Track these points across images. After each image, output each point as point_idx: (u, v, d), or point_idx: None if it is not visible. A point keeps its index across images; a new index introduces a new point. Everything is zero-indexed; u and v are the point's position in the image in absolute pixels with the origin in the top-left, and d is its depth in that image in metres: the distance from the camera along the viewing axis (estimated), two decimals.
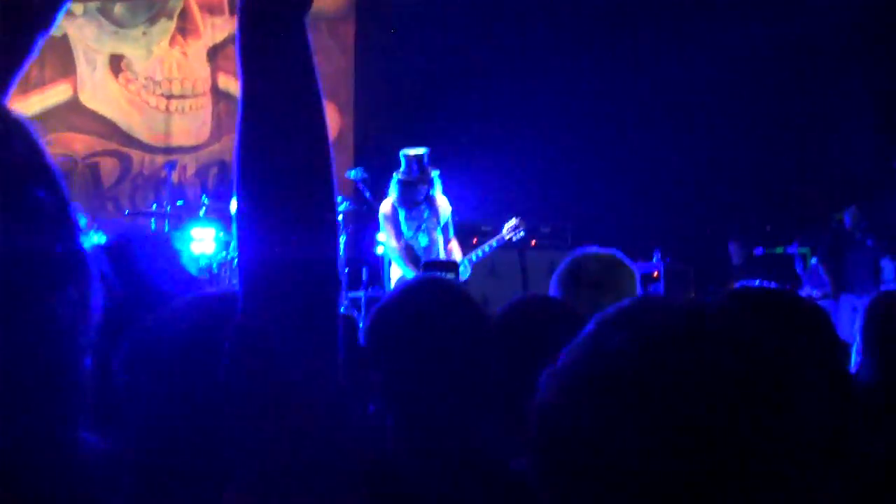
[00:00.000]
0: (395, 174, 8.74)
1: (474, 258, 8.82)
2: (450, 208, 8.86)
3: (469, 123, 14.11)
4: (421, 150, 8.70)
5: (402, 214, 8.67)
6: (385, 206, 8.75)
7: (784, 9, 14.18)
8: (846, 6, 14.08)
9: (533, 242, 11.78)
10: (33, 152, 1.04)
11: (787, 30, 14.29)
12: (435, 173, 8.74)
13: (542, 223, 11.87)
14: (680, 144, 14.90)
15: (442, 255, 8.74)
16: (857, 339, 2.75)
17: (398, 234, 8.65)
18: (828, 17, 14.09)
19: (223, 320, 1.48)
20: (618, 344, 1.01)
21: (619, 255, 3.19)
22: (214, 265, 11.15)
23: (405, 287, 2.26)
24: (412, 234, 8.68)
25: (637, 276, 3.15)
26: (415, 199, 8.67)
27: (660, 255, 14.41)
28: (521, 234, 9.08)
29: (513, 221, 9.05)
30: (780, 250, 14.53)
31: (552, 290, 3.09)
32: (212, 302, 1.65)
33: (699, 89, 14.61)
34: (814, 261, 13.12)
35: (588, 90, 15.01)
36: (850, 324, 11.74)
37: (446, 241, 8.82)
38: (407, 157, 8.68)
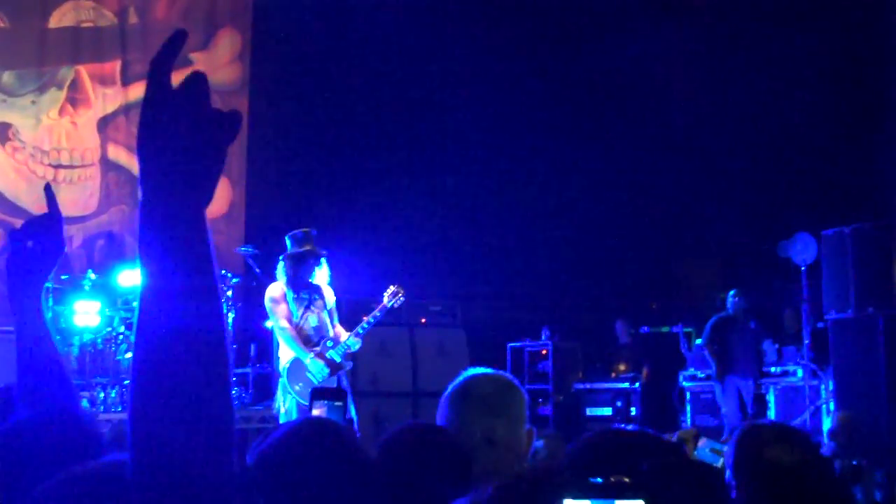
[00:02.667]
0: (280, 257, 8.79)
1: (361, 331, 8.82)
2: (334, 298, 8.92)
3: (359, 202, 14.18)
4: (305, 228, 8.82)
5: (289, 295, 8.66)
6: (273, 291, 8.73)
7: (671, 100, 14.57)
8: (724, 101, 14.54)
9: (423, 321, 11.81)
10: None
11: (670, 118, 14.68)
12: (322, 255, 8.79)
13: (432, 302, 11.91)
14: (566, 224, 15.14)
15: (331, 334, 8.75)
16: (727, 471, 2.80)
17: (288, 315, 8.63)
18: (709, 108, 14.51)
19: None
20: None
21: (510, 377, 3.24)
22: (99, 340, 10.95)
23: (288, 431, 2.27)
24: (300, 314, 8.66)
25: (527, 400, 3.19)
26: (303, 278, 8.69)
27: (548, 333, 14.57)
28: (402, 299, 9.12)
29: (391, 289, 9.09)
30: (665, 329, 14.77)
31: (441, 409, 3.09)
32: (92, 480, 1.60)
33: (585, 171, 14.90)
34: (698, 342, 13.36)
35: (476, 170, 15.20)
36: (734, 405, 11.98)
37: (332, 327, 8.85)
38: (292, 235, 8.76)
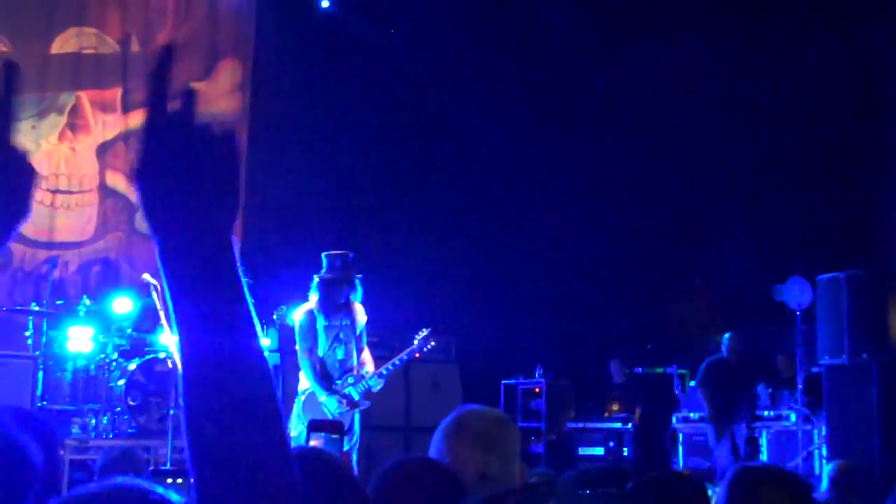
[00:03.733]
0: (315, 276, 8.63)
1: (385, 371, 8.75)
2: (366, 318, 8.79)
3: (354, 236, 14.16)
4: (343, 251, 8.69)
5: (320, 323, 8.53)
6: (302, 316, 8.60)
7: (669, 142, 14.61)
8: (722, 144, 14.57)
9: (417, 355, 11.78)
10: None
11: (668, 160, 14.70)
12: (357, 278, 8.69)
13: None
14: (563, 263, 15.13)
15: (354, 363, 8.63)
16: None
17: (313, 345, 8.49)
18: (707, 151, 14.55)
19: None
20: None
21: (503, 414, 3.24)
22: (92, 367, 10.91)
23: None
24: (328, 345, 8.54)
25: (519, 436, 3.19)
26: (336, 302, 8.55)
27: (542, 371, 14.54)
28: (433, 344, 9.06)
29: (423, 332, 9.02)
30: (659, 371, 14.74)
31: (435, 444, 3.08)
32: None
33: (582, 211, 14.91)
34: (692, 383, 13.33)
35: (473, 206, 15.22)
36: (726, 448, 11.94)
37: (359, 351, 8.73)
38: (330, 255, 8.63)
